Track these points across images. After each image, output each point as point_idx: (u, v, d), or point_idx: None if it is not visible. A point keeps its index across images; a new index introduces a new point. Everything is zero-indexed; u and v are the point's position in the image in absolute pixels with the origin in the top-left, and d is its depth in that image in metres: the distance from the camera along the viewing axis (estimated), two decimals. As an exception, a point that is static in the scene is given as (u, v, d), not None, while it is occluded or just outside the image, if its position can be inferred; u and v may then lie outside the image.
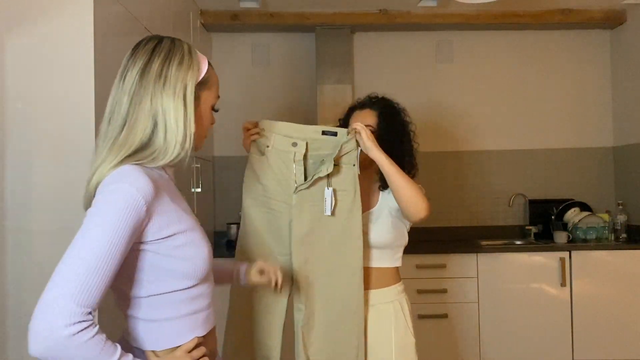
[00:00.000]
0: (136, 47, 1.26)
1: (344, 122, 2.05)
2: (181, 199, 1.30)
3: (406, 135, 1.99)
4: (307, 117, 4.15)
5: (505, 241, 3.90)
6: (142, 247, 1.16)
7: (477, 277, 3.50)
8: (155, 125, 1.20)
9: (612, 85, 4.23)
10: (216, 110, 1.36)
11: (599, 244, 3.69)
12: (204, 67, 1.29)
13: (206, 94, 1.30)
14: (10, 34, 1.88)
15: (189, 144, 1.24)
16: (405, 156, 1.95)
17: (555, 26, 4.11)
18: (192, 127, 1.23)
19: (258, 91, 4.19)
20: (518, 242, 3.89)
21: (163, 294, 1.19)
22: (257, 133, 2.00)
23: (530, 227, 4.01)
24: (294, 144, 1.86)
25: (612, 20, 4.03)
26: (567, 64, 4.24)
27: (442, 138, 4.15)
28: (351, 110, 2.07)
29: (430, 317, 3.42)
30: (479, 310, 3.50)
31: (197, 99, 1.26)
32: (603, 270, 3.51)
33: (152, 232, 1.15)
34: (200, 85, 1.27)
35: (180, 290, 1.20)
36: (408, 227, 1.98)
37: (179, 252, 1.18)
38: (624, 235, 3.83)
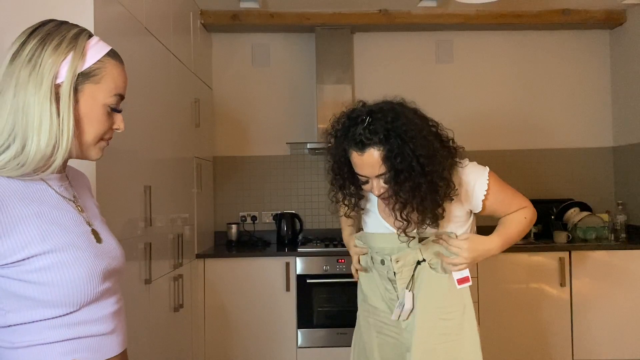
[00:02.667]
0: (23, 31, 1.06)
1: (344, 166, 1.64)
2: (64, 210, 1.07)
3: (427, 153, 1.54)
4: (307, 117, 4.15)
5: (505, 241, 3.90)
6: None
7: (477, 277, 3.50)
8: (14, 125, 0.99)
9: (612, 86, 4.23)
10: (118, 111, 1.11)
11: (599, 244, 3.68)
12: (93, 56, 1.05)
13: (92, 89, 1.05)
14: (10, 34, 1.88)
15: (62, 150, 1.01)
16: (436, 174, 1.54)
17: (555, 26, 4.11)
18: (66, 126, 1.01)
19: (258, 91, 4.19)
20: (518, 242, 3.88)
21: (28, 323, 1.00)
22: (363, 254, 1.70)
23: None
24: (382, 262, 1.60)
25: (612, 20, 4.03)
26: (567, 64, 4.24)
27: (442, 138, 4.15)
28: (342, 141, 1.60)
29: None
30: (479, 310, 3.49)
31: (77, 93, 1.03)
32: (603, 270, 3.51)
33: (0, 256, 0.96)
34: (84, 77, 1.04)
35: (51, 318, 1.00)
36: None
37: (37, 276, 0.97)
38: (624, 235, 3.83)
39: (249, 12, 3.90)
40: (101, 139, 1.10)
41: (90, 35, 1.08)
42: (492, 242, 1.63)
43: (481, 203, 1.65)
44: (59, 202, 1.07)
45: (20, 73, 0.99)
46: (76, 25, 1.08)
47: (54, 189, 1.07)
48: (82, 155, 1.10)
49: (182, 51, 3.19)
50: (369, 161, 1.54)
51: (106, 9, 2.03)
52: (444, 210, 1.57)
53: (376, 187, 1.57)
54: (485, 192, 1.64)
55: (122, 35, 2.22)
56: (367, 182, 1.58)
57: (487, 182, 1.65)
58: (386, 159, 1.52)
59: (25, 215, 0.99)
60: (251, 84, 4.20)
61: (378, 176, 1.55)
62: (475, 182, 1.64)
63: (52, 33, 1.03)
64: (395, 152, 1.51)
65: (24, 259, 0.97)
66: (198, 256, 3.49)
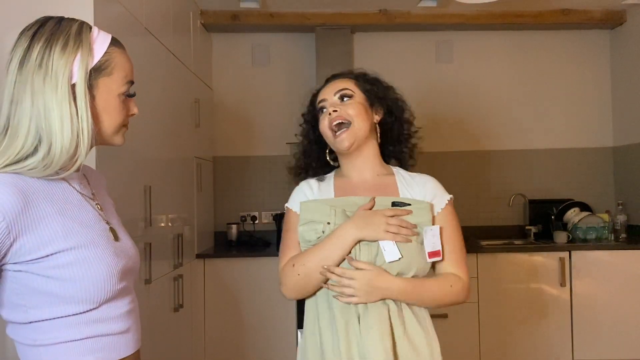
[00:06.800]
0: (21, 33, 1.05)
1: (310, 112, 1.58)
2: (84, 208, 1.09)
3: (395, 102, 1.57)
4: (307, 117, 4.15)
5: (505, 241, 3.90)
6: (15, 268, 1.00)
7: (477, 277, 3.50)
8: (37, 130, 1.00)
9: (612, 86, 4.23)
10: (132, 95, 1.13)
11: (599, 244, 3.68)
12: (99, 50, 1.07)
13: (106, 82, 1.07)
14: (10, 34, 1.87)
15: (84, 147, 1.04)
16: (396, 125, 1.53)
17: (555, 26, 4.11)
18: (86, 124, 1.03)
19: (258, 91, 4.19)
20: (518, 242, 3.88)
21: (49, 319, 1.01)
22: None
23: (530, 227, 4.01)
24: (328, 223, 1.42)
25: (612, 20, 4.03)
26: (567, 64, 4.24)
27: (441, 138, 4.15)
28: (315, 96, 1.56)
29: (430, 317, 3.41)
30: (479, 310, 3.50)
31: (92, 88, 1.06)
32: (603, 270, 3.51)
33: (25, 251, 0.98)
34: (96, 72, 1.06)
35: (72, 315, 1.02)
36: None
37: (60, 272, 1.00)
38: (624, 235, 3.83)
39: (249, 12, 3.90)
40: (121, 127, 1.13)
41: (90, 28, 1.10)
42: (393, 283, 1.36)
43: (435, 214, 1.44)
44: (80, 200, 1.09)
45: (33, 79, 1.00)
46: (74, 20, 1.09)
47: (74, 187, 1.10)
48: (106, 144, 1.13)
49: (182, 51, 3.19)
50: (337, 84, 1.50)
51: (106, 9, 2.03)
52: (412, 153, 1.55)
53: (331, 104, 1.46)
54: (442, 207, 1.45)
55: (122, 35, 2.21)
56: (322, 110, 1.48)
57: (448, 201, 1.46)
58: (353, 80, 1.51)
59: (50, 213, 1.01)
60: (251, 84, 4.20)
61: (340, 91, 1.47)
62: (437, 191, 1.47)
63: (55, 33, 1.03)
64: (364, 82, 1.51)
65: (47, 255, 0.99)
66: (198, 256, 3.49)
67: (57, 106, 1.00)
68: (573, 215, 3.89)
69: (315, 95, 1.54)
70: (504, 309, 3.51)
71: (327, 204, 1.44)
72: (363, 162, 1.49)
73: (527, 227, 4.04)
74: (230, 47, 4.19)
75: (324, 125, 1.46)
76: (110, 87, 1.08)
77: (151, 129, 2.59)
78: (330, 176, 1.55)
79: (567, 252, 3.52)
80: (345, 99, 1.47)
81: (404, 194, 1.46)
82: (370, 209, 1.40)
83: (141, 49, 2.46)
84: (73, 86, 1.02)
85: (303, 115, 1.58)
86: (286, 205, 1.54)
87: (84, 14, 1.87)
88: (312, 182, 1.54)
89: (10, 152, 1.00)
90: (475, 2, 3.18)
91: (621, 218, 3.86)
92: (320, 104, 1.49)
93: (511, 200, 4.10)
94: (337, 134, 1.43)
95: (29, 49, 1.02)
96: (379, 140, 1.52)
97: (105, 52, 1.08)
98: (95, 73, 1.06)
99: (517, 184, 4.17)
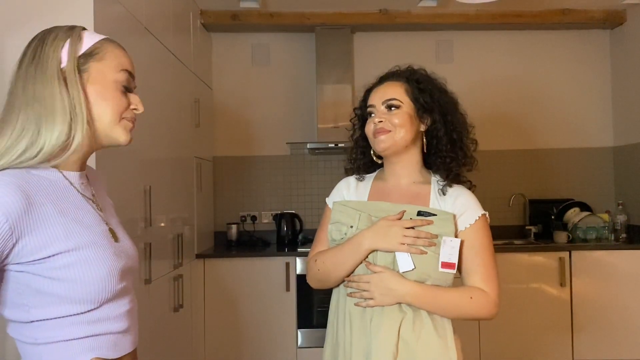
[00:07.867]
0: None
1: (361, 115, 1.60)
2: (85, 209, 1.09)
3: (451, 104, 1.51)
4: (307, 117, 4.15)
5: (505, 241, 3.90)
6: (17, 268, 1.00)
7: (477, 277, 3.50)
8: (27, 116, 1.02)
9: (612, 85, 4.23)
10: (130, 90, 1.12)
11: (599, 244, 3.69)
12: (90, 39, 1.07)
13: (97, 67, 1.07)
14: (10, 34, 1.88)
15: (80, 135, 1.03)
16: (454, 131, 1.48)
17: (555, 26, 4.11)
18: (79, 105, 1.03)
19: (258, 91, 4.19)
20: (518, 242, 3.88)
21: (51, 319, 1.02)
22: None
23: (530, 227, 4.01)
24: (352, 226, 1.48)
25: (612, 20, 4.03)
26: (567, 64, 4.24)
27: (442, 138, 4.14)
28: (367, 93, 1.58)
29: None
30: (479, 310, 3.49)
31: (83, 73, 1.05)
32: (603, 270, 3.51)
33: (27, 252, 0.98)
34: (86, 57, 1.06)
35: (73, 315, 1.03)
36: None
37: (62, 273, 1.00)
38: (624, 235, 3.83)
39: (249, 12, 3.90)
40: (122, 118, 1.11)
41: (84, 29, 1.12)
42: (406, 286, 1.38)
43: (462, 228, 1.46)
44: (81, 201, 1.10)
45: (27, 70, 1.04)
46: (71, 26, 1.12)
47: (75, 187, 1.10)
48: (109, 140, 1.11)
49: (182, 51, 3.19)
50: (384, 90, 1.50)
51: (106, 9, 2.03)
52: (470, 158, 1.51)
53: (378, 114, 1.47)
54: (471, 223, 1.46)
55: (122, 35, 2.22)
56: (370, 114, 1.49)
57: (479, 216, 1.48)
58: (402, 86, 1.49)
59: (51, 213, 1.01)
60: (251, 83, 4.20)
61: (388, 101, 1.47)
62: (469, 206, 1.48)
63: (49, 31, 1.07)
64: (416, 84, 1.48)
65: (49, 256, 0.99)
66: (198, 256, 3.49)
67: (46, 88, 1.02)
68: (573, 215, 3.89)
69: (368, 91, 1.57)
70: (504, 309, 3.48)
71: (355, 207, 1.49)
72: (402, 168, 1.52)
73: (527, 227, 4.04)
74: (230, 47, 4.19)
75: (369, 129, 1.51)
76: (103, 71, 1.07)
77: (151, 129, 2.59)
78: (370, 176, 1.59)
79: (567, 252, 3.52)
80: (392, 108, 1.48)
81: (434, 204, 1.47)
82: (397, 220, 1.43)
83: (141, 49, 2.46)
84: (63, 71, 1.04)
85: (355, 109, 1.62)
86: (327, 199, 1.62)
87: (84, 14, 1.87)
88: (352, 180, 1.60)
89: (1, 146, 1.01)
90: (475, 2, 3.18)
91: (621, 218, 3.86)
92: (369, 109, 1.53)
93: (511, 200, 4.10)
94: (377, 132, 1.48)
95: (26, 49, 1.07)
96: (424, 149, 1.52)
97: (97, 42, 1.09)
98: (84, 58, 1.06)
99: (517, 184, 4.17)
